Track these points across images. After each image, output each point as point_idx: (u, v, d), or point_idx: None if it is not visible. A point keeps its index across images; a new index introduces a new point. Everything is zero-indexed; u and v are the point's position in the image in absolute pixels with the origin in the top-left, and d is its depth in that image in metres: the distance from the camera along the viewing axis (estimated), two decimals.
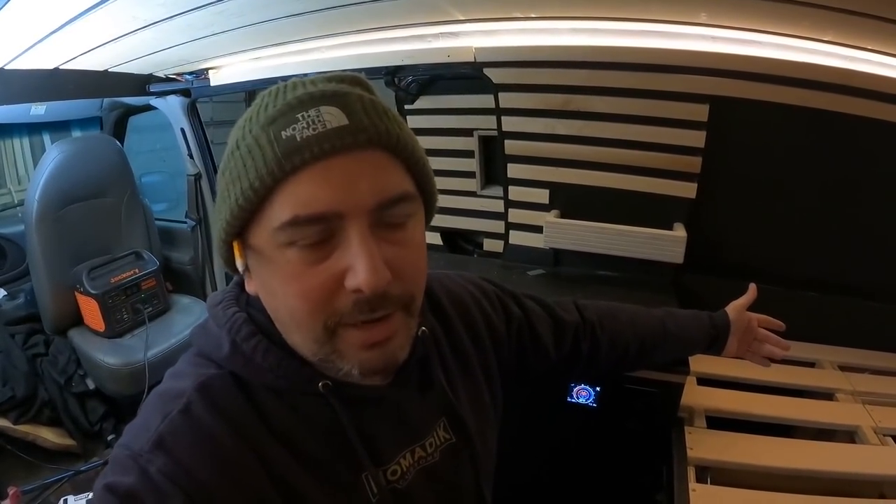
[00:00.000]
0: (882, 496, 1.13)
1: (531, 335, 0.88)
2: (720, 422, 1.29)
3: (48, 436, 2.07)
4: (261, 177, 0.48)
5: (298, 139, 0.47)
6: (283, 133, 0.48)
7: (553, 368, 0.94)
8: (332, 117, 0.49)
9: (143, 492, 0.48)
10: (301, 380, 0.57)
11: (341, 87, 0.51)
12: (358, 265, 0.49)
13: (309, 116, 0.48)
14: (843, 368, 1.51)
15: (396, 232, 0.53)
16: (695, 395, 1.36)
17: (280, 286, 0.52)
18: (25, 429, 2.04)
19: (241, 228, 0.52)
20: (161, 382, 0.59)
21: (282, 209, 0.49)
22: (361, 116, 0.50)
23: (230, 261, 0.57)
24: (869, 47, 1.23)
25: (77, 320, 2.27)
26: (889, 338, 1.55)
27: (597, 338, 0.96)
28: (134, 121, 2.75)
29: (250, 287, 0.58)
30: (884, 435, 1.24)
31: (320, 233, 0.49)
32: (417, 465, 0.66)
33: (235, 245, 0.54)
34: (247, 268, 0.56)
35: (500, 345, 0.82)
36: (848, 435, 1.28)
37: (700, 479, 1.14)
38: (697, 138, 1.51)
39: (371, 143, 0.50)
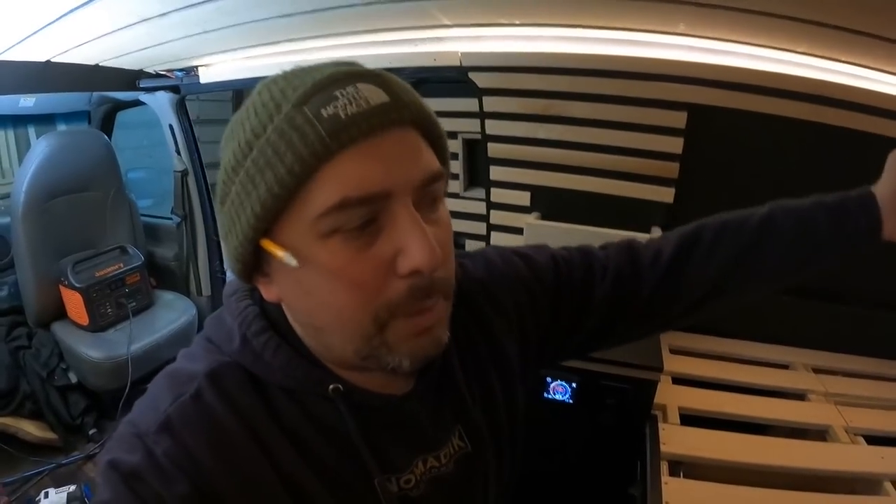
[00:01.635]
0: (853, 492, 1.17)
1: (570, 295, 0.73)
2: (694, 420, 1.32)
3: (29, 429, 2.06)
4: (301, 158, 0.44)
5: (343, 116, 0.44)
6: (322, 111, 0.44)
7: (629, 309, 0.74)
8: (373, 94, 0.46)
9: (148, 472, 0.47)
10: (310, 382, 0.54)
11: (371, 69, 0.49)
12: (413, 244, 0.46)
13: (348, 93, 0.45)
14: (817, 371, 1.56)
15: (432, 212, 0.50)
16: (669, 394, 1.39)
17: (323, 282, 0.48)
18: (6, 421, 2.03)
19: (271, 223, 0.47)
20: (174, 361, 0.57)
21: (326, 193, 0.45)
22: (400, 94, 0.48)
23: (248, 266, 0.51)
24: (842, 59, 1.27)
25: (61, 313, 2.26)
26: (862, 341, 1.60)
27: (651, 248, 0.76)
28: (121, 117, 2.74)
29: (270, 294, 0.53)
30: (855, 434, 1.28)
31: (367, 215, 0.46)
32: (429, 473, 0.62)
33: (267, 243, 0.48)
34: (263, 273, 0.52)
35: (525, 339, 0.72)
36: (820, 434, 1.32)
37: (673, 473, 1.17)
38: (675, 144, 1.55)
39: (412, 121, 0.48)
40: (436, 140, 0.51)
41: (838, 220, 0.70)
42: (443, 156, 0.52)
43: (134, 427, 0.50)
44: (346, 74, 0.46)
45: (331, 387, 0.54)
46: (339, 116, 0.44)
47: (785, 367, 1.59)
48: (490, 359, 0.69)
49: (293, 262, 0.47)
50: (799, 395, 1.45)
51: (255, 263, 0.51)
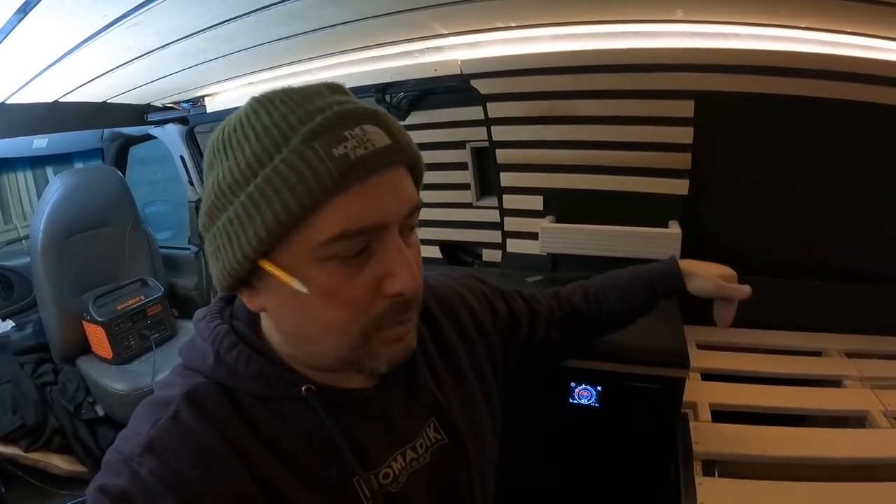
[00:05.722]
0: None
1: (514, 328, 0.91)
2: (727, 416, 1.28)
3: (59, 463, 2.09)
4: (311, 192, 0.48)
5: (353, 157, 0.49)
6: (334, 150, 0.48)
7: (533, 359, 0.98)
8: (377, 136, 0.51)
9: (135, 492, 0.50)
10: (284, 385, 0.58)
11: (366, 105, 0.54)
12: (400, 272, 0.53)
13: (356, 136, 0.50)
14: (850, 355, 1.50)
15: (408, 237, 0.56)
16: (699, 391, 1.35)
17: (317, 300, 0.52)
18: (36, 456, 2.05)
19: (271, 246, 0.51)
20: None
21: (329, 225, 0.49)
22: (398, 137, 0.53)
23: (239, 280, 0.55)
24: (848, 30, 1.24)
25: (85, 348, 2.29)
26: (894, 321, 1.54)
27: (565, 325, 1.02)
28: (136, 153, 2.80)
29: (254, 304, 0.57)
30: (894, 418, 1.22)
31: (362, 243, 0.51)
32: (410, 467, 0.66)
33: (267, 264, 0.52)
34: (249, 285, 0.56)
35: (489, 343, 0.84)
36: (858, 421, 1.26)
37: (707, 473, 1.12)
38: (685, 134, 1.52)
39: (404, 161, 0.54)
40: (418, 175, 0.58)
41: (651, 288, 1.01)
42: (419, 186, 0.59)
43: (119, 453, 0.53)
44: (352, 114, 0.51)
45: (304, 387, 0.58)
46: (348, 157, 0.49)
47: (817, 354, 1.53)
48: (464, 354, 0.79)
49: (303, 289, 0.52)
50: (834, 382, 1.40)
51: (244, 278, 0.55)
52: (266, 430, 0.57)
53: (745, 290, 0.98)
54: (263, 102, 0.52)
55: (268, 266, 0.52)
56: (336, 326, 0.54)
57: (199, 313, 0.65)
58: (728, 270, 1.02)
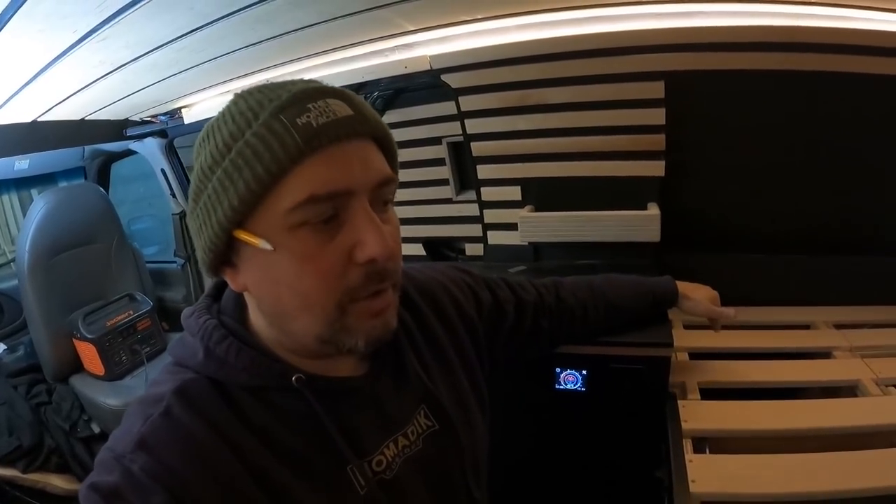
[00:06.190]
0: (893, 445, 1.10)
1: (500, 317, 0.92)
2: (717, 393, 1.27)
3: (57, 482, 2.08)
4: (278, 160, 0.51)
5: (315, 125, 0.52)
6: (297, 120, 0.51)
7: (521, 347, 0.99)
8: (339, 107, 0.54)
9: (127, 489, 0.50)
10: (274, 375, 0.59)
11: (335, 87, 0.57)
12: (369, 237, 0.54)
13: (319, 106, 0.53)
14: (839, 326, 1.49)
15: (383, 212, 0.58)
16: (688, 370, 1.35)
17: (291, 268, 0.54)
18: (34, 477, 2.04)
19: (245, 216, 0.54)
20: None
21: (297, 190, 0.52)
22: (363, 109, 0.56)
23: (220, 256, 0.57)
24: (813, 1, 1.24)
25: (77, 367, 2.28)
26: (880, 290, 1.53)
27: (555, 313, 1.05)
28: (119, 172, 2.80)
29: (236, 283, 0.59)
30: (885, 385, 1.22)
31: (331, 210, 0.53)
32: (402, 454, 0.67)
33: (241, 233, 0.55)
34: (231, 264, 0.58)
35: (473, 331, 0.85)
36: (849, 390, 1.26)
37: (698, 450, 1.12)
38: (657, 116, 1.52)
39: (369, 133, 0.56)
40: (388, 150, 0.59)
41: (656, 306, 1.21)
42: (394, 165, 0.60)
43: (111, 451, 0.53)
44: (316, 90, 0.54)
45: (294, 377, 0.59)
46: (311, 125, 0.51)
47: (806, 327, 1.53)
48: (449, 342, 0.79)
49: (268, 245, 0.53)
50: (824, 354, 1.39)
51: (225, 255, 0.57)
52: (258, 421, 0.58)
53: (731, 312, 1.20)
54: (243, 94, 0.56)
55: (242, 235, 0.54)
56: (312, 297, 0.55)
57: (186, 311, 0.66)
58: (714, 292, 1.23)
